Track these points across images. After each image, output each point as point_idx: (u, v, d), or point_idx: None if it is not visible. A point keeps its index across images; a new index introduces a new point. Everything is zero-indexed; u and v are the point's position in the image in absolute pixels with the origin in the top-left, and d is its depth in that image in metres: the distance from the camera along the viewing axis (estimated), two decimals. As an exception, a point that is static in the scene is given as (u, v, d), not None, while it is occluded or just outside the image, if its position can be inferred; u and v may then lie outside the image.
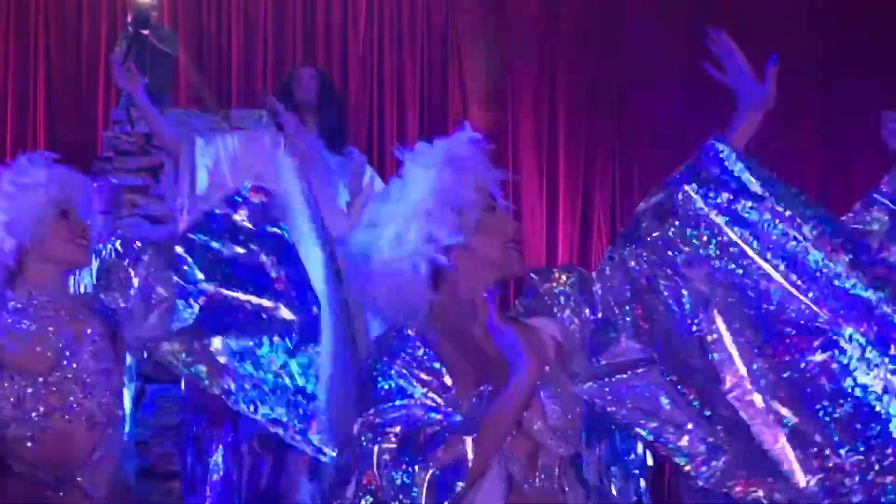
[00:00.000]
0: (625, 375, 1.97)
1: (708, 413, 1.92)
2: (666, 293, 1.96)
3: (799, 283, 1.92)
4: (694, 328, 1.94)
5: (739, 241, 1.95)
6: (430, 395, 1.79)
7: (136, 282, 2.58)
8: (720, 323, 1.93)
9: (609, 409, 1.96)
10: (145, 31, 7.40)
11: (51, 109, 8.11)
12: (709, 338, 1.93)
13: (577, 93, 8.65)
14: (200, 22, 8.42)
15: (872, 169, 2.91)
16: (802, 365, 1.89)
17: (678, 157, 2.15)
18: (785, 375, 1.89)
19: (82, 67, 8.21)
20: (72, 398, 2.46)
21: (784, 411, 1.89)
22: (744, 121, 2.17)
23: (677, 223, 1.99)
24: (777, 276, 1.92)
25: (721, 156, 2.02)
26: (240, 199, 2.69)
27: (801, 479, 1.86)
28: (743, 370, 1.91)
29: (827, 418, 1.86)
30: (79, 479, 2.45)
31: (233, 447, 3.54)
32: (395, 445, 1.73)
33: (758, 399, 1.89)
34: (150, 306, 2.56)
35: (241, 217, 2.67)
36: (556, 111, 8.65)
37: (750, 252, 1.95)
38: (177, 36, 7.87)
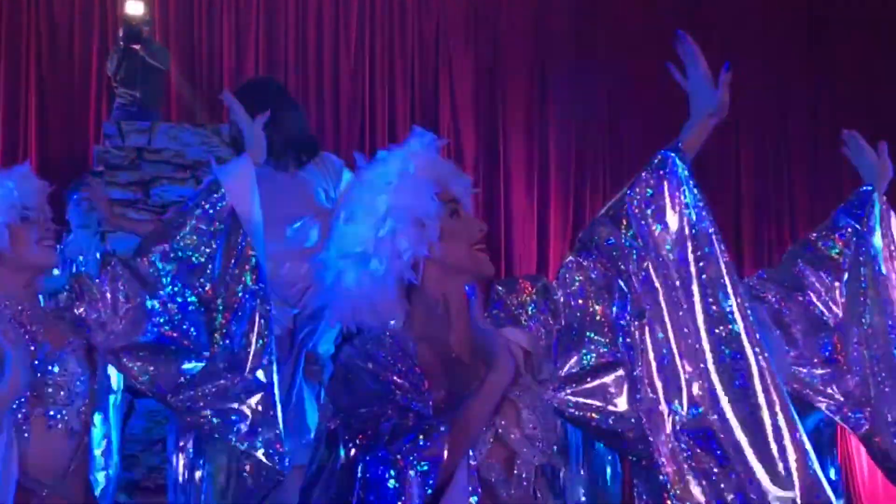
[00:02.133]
0: (591, 382, 2.01)
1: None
2: (617, 296, 2.02)
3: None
4: (628, 339, 1.99)
5: (670, 259, 2.01)
6: (405, 396, 1.80)
7: (106, 292, 2.59)
8: (648, 337, 1.98)
9: (577, 413, 2.01)
10: (136, 46, 7.43)
11: (42, 123, 8.11)
12: (639, 349, 1.99)
13: (568, 102, 8.68)
14: (192, 36, 8.44)
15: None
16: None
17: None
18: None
19: (74, 82, 8.21)
20: (52, 404, 2.47)
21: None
22: (696, 128, 2.16)
23: (629, 232, 2.03)
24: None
25: (675, 170, 2.06)
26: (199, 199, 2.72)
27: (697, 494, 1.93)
28: (659, 388, 1.97)
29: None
30: (58, 490, 2.46)
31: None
32: (368, 443, 1.75)
33: (666, 421, 1.96)
34: (119, 317, 2.59)
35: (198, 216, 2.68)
36: (546, 119, 8.68)
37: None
38: (168, 50, 7.88)
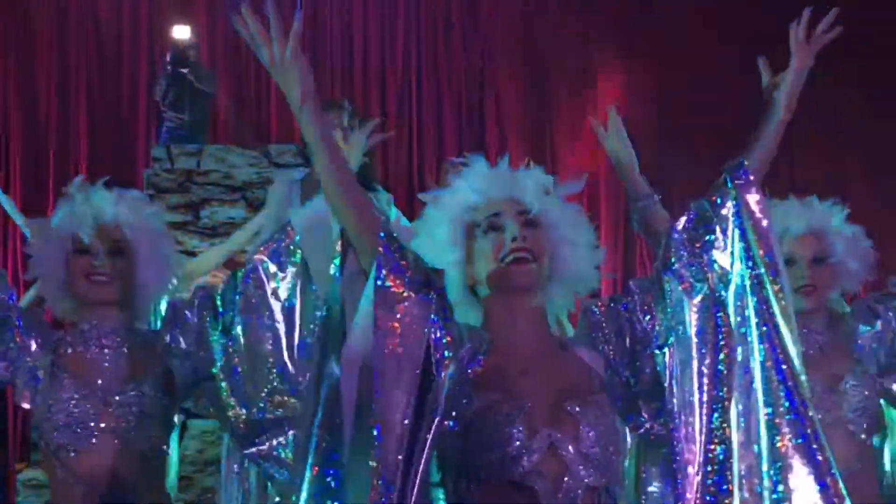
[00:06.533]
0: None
1: None
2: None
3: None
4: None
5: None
6: None
7: (195, 323, 2.55)
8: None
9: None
10: (184, 70, 7.49)
11: (92, 147, 8.20)
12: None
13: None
14: (239, 59, 8.48)
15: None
16: None
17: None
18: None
19: (122, 106, 8.30)
20: (125, 424, 2.44)
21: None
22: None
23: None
24: None
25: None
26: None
27: None
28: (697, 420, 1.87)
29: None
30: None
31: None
32: None
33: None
34: (203, 349, 2.55)
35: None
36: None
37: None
38: (215, 74, 7.94)
